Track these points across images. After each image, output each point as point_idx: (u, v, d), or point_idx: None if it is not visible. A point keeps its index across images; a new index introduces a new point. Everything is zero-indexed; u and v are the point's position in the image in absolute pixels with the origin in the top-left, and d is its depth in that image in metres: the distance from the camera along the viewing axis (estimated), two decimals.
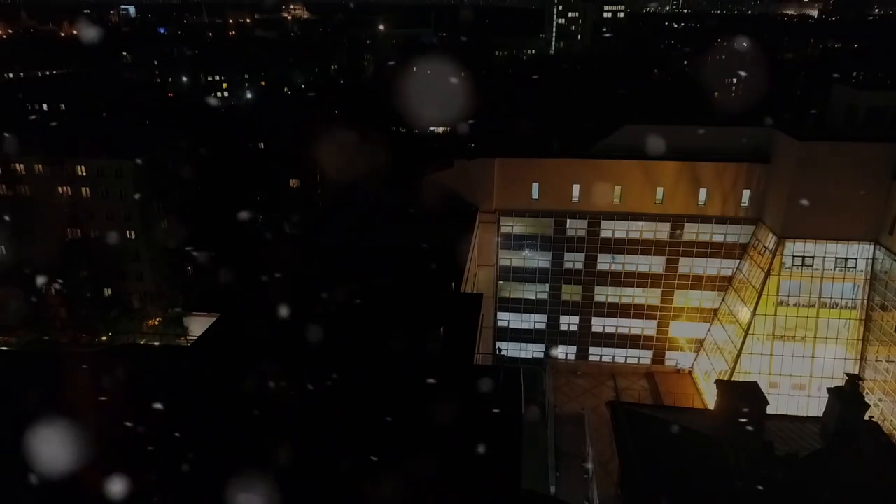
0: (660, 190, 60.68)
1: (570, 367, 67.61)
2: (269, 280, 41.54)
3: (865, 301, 56.81)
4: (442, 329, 36.61)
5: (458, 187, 61.25)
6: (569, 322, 66.27)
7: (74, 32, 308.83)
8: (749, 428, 30.03)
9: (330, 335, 31.36)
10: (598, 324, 66.01)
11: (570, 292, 65.26)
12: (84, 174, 74.64)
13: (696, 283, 63.31)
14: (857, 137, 54.75)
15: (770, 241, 57.77)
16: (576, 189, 61.59)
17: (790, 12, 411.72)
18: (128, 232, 76.88)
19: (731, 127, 60.80)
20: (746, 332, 57.67)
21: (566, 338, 66.92)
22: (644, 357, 66.55)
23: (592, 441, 58.64)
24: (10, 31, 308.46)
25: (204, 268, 78.90)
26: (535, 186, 61.88)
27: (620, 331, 65.92)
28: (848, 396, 31.85)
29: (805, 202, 54.37)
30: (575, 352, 67.38)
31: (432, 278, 44.02)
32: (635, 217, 61.70)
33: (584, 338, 66.78)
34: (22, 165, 75.15)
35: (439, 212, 58.44)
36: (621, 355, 66.83)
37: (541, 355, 66.90)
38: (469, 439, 21.42)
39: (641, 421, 34.45)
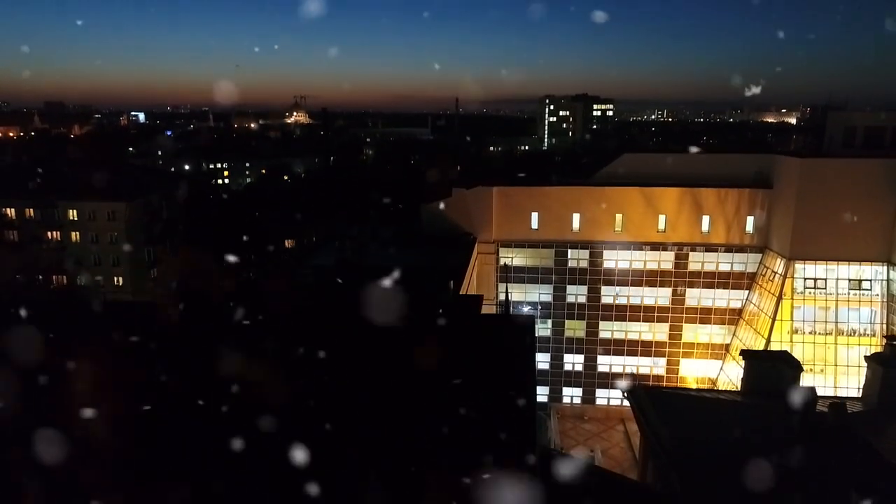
0: (662, 218, 59.45)
1: (576, 412, 63.21)
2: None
3: (884, 326, 54.09)
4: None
5: (456, 217, 59.92)
6: (573, 361, 62.69)
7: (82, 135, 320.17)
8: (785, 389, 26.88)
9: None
10: (605, 363, 62.43)
11: (574, 328, 62.22)
12: (74, 218, 73.51)
13: (705, 315, 60.56)
14: (858, 155, 54.44)
15: (779, 265, 55.85)
16: (576, 218, 60.30)
17: (770, 120, 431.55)
18: (115, 278, 74.65)
19: (732, 154, 60.69)
20: None
21: (571, 379, 63.07)
22: None
23: None
24: (21, 134, 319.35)
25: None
26: (535, 216, 60.57)
27: (628, 370, 62.24)
28: (889, 360, 28.89)
29: (811, 223, 53.17)
30: (581, 395, 63.27)
31: (430, 284, 41.83)
32: (638, 246, 60.05)
33: (589, 378, 62.93)
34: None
35: (437, 240, 56.92)
36: None
37: (544, 398, 62.66)
38: (480, 385, 18.70)
39: (665, 396, 31.05)
